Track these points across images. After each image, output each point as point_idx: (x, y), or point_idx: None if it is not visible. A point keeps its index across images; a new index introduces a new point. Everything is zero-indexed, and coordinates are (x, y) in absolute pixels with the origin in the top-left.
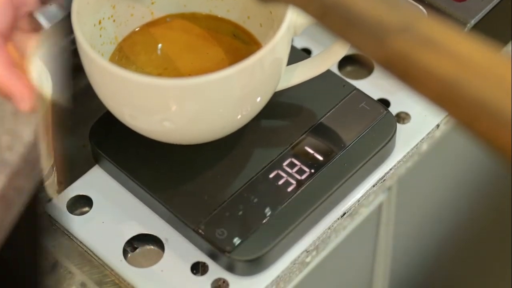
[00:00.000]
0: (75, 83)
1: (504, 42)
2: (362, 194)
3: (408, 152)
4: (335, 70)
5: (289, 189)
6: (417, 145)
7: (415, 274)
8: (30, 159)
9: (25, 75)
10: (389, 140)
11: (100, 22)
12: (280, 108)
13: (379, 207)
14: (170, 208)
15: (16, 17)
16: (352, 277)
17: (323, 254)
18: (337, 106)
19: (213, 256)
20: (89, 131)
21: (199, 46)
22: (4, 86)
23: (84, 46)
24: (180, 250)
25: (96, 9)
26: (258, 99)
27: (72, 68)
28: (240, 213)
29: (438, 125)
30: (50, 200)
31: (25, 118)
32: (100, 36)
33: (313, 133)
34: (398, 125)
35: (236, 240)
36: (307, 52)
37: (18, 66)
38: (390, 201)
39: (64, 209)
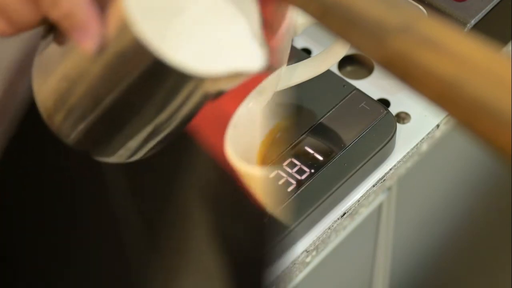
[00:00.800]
0: None
1: (504, 42)
2: (362, 194)
3: (408, 152)
4: (335, 70)
5: (289, 189)
6: (417, 145)
7: (415, 274)
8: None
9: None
10: (389, 140)
11: None
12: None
13: (379, 207)
14: None
15: None
16: (352, 277)
17: (323, 254)
18: (337, 106)
19: None
20: None
21: None
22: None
23: None
24: None
25: None
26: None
27: None
28: None
29: (438, 125)
30: None
31: None
32: None
33: (313, 133)
34: (398, 125)
35: None
36: (307, 52)
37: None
38: (390, 201)
39: None
